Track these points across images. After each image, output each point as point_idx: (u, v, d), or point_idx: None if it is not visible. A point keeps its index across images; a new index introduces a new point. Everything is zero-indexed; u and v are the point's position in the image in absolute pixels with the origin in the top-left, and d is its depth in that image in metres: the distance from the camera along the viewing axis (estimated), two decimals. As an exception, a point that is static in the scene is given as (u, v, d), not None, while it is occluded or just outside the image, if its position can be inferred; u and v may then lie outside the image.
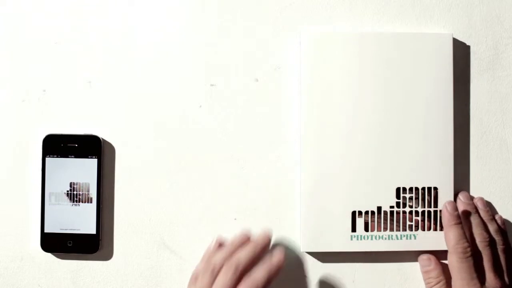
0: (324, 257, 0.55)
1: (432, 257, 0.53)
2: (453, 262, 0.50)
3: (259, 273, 0.48)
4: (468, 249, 0.49)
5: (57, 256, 0.55)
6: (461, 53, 0.56)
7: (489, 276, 0.50)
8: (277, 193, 0.55)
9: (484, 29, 0.56)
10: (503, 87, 0.56)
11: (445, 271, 0.52)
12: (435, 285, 0.52)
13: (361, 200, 0.53)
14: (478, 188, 0.56)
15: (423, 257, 0.54)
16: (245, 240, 0.51)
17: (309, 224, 0.53)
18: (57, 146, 0.54)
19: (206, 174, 0.55)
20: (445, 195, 0.53)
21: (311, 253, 0.55)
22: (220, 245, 0.52)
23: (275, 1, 0.55)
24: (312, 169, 0.53)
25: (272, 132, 0.55)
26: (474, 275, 0.49)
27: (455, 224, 0.51)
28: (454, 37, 0.55)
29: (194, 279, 0.49)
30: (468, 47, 0.56)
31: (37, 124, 0.55)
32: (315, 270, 0.55)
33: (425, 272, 0.53)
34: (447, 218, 0.51)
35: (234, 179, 0.55)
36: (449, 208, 0.52)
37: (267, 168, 0.55)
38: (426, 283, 0.53)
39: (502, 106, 0.56)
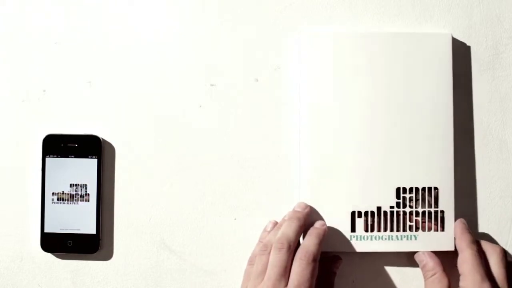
0: (324, 257, 0.55)
1: (426, 251, 0.53)
2: (468, 257, 0.50)
3: (310, 240, 0.49)
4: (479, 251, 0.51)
5: (57, 256, 0.55)
6: (461, 53, 0.56)
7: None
8: (277, 193, 0.55)
9: (484, 29, 0.56)
10: (503, 87, 0.56)
11: (441, 264, 0.53)
12: (431, 276, 0.52)
13: (360, 200, 0.53)
14: (478, 188, 0.56)
15: (417, 253, 0.54)
16: (295, 214, 0.52)
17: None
18: (57, 146, 0.54)
19: (206, 174, 0.55)
20: (446, 195, 0.53)
21: (311, 253, 0.55)
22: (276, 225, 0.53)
23: (275, 1, 0.55)
24: (312, 169, 0.53)
25: (272, 132, 0.55)
26: (486, 272, 0.50)
27: (470, 232, 0.53)
28: (454, 37, 0.55)
29: (251, 261, 0.51)
30: (468, 47, 0.56)
31: (37, 124, 0.55)
32: (315, 270, 0.55)
33: (422, 267, 0.53)
34: (461, 227, 0.53)
35: (234, 179, 0.55)
36: (464, 221, 0.53)
37: (267, 168, 0.55)
38: (424, 277, 0.53)
39: (502, 106, 0.56)
